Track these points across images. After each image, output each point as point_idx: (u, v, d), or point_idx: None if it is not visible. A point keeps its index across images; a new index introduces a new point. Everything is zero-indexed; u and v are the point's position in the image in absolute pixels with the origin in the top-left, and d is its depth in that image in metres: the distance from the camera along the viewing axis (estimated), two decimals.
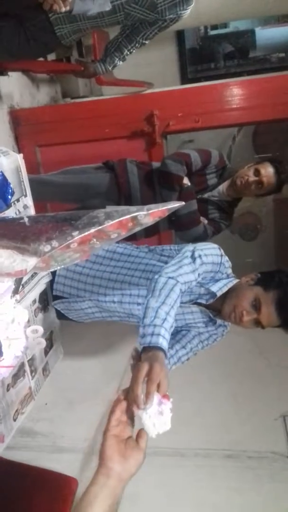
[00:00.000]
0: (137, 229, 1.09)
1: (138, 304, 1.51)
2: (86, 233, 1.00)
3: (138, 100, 2.80)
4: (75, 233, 1.00)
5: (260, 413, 2.12)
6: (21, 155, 1.33)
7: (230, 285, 1.46)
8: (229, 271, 1.50)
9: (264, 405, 2.16)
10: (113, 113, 2.78)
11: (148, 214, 1.05)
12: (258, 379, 2.35)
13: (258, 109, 2.70)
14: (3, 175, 1.18)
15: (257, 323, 1.36)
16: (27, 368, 1.48)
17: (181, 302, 1.38)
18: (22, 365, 1.44)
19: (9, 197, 1.20)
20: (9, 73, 2.70)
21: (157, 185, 2.14)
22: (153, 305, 1.21)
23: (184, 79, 3.89)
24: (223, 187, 2.18)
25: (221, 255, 1.46)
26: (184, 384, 2.37)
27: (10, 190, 1.20)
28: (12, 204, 1.28)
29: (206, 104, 2.70)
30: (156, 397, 1.01)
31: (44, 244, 0.97)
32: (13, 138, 2.85)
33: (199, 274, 1.38)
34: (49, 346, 1.68)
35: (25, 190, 1.37)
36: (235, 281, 1.48)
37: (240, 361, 2.52)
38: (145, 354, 1.13)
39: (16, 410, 1.40)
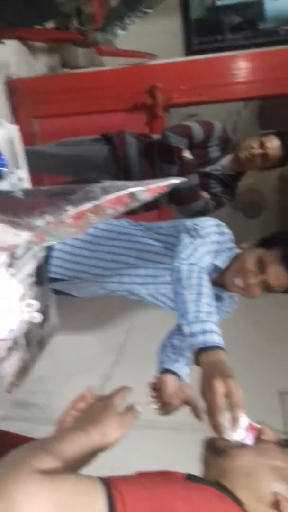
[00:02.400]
0: (135, 205, 1.07)
1: (138, 284, 1.48)
2: (82, 209, 0.98)
3: (140, 71, 2.72)
4: (70, 208, 0.97)
5: (257, 390, 2.12)
6: (16, 126, 1.30)
7: (232, 255, 1.39)
8: (230, 244, 1.44)
9: (262, 382, 2.17)
10: (114, 84, 2.71)
11: (147, 190, 1.03)
12: (256, 356, 2.37)
13: (265, 83, 2.63)
14: None
15: (265, 286, 1.26)
16: (22, 341, 1.48)
17: None
18: (17, 339, 1.44)
19: (2, 169, 1.18)
20: (5, 41, 2.61)
21: (157, 158, 2.09)
22: (190, 298, 1.12)
23: (189, 51, 3.77)
24: (226, 160, 2.13)
25: (219, 225, 1.40)
26: None
27: (3, 162, 1.17)
28: (6, 176, 1.25)
29: (211, 77, 2.63)
30: (243, 421, 0.87)
31: (38, 218, 0.95)
32: (9, 108, 2.78)
33: (211, 252, 1.31)
34: (44, 319, 1.67)
35: (20, 162, 1.34)
36: (237, 251, 1.41)
37: (237, 338, 2.53)
38: (205, 358, 1.02)
39: (11, 383, 1.41)
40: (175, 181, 1.01)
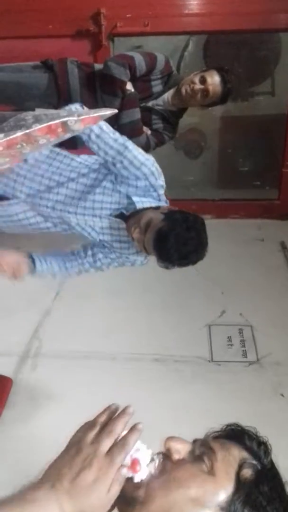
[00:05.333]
0: (68, 135, 1.06)
1: (69, 212, 1.52)
2: (12, 136, 0.96)
3: None
4: (0, 135, 0.95)
5: (188, 322, 2.27)
6: None
7: (153, 205, 1.47)
8: (161, 191, 1.51)
9: (192, 315, 2.31)
10: (57, 6, 2.54)
11: (79, 120, 1.02)
12: (187, 290, 2.49)
13: (212, 18, 2.57)
14: None
15: None
16: None
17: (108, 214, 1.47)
18: None
19: None
20: None
21: (99, 89, 2.03)
22: None
23: None
24: (168, 95, 2.10)
25: (153, 166, 1.44)
26: (118, 293, 2.47)
27: None
28: None
29: (158, 7, 2.53)
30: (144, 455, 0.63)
31: None
32: None
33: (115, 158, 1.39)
34: None
35: None
36: (163, 204, 1.49)
37: (170, 273, 2.62)
38: None
39: None
40: (107, 112, 1.01)
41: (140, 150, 1.44)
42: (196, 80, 2.00)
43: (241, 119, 3.48)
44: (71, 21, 2.56)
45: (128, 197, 1.47)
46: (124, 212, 1.50)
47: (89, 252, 1.62)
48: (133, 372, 2.01)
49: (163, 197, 1.52)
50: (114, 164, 1.43)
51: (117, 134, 1.42)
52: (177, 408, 1.83)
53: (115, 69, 1.92)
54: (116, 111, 1.05)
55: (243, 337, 2.19)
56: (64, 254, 1.65)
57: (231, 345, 2.15)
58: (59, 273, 1.67)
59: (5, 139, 0.96)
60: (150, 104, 2.11)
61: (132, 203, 1.46)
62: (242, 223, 3.15)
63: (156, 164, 1.46)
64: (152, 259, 1.49)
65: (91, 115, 1.01)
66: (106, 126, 1.40)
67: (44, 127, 0.97)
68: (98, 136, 1.40)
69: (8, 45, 2.54)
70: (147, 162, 1.42)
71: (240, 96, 3.24)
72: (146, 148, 2.05)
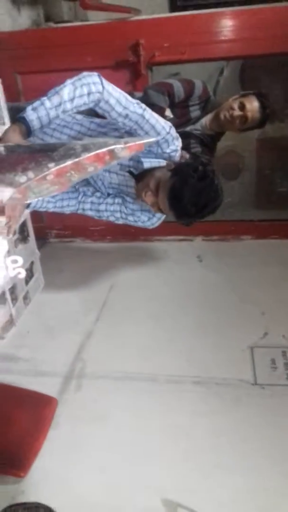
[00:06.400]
0: (114, 162, 1.10)
1: None
2: (63, 165, 1.02)
3: (124, 27, 2.66)
4: (52, 164, 1.01)
5: (230, 343, 2.24)
6: None
7: (162, 164, 1.45)
8: (174, 153, 1.47)
9: (234, 337, 2.28)
10: (97, 40, 2.66)
11: (126, 148, 1.06)
12: (229, 312, 2.47)
13: (248, 42, 2.61)
14: None
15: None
16: (8, 296, 1.54)
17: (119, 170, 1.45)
18: (3, 294, 1.50)
19: None
20: None
21: None
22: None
23: (173, 7, 3.69)
24: (206, 120, 2.14)
25: (169, 132, 1.42)
26: (160, 315, 2.49)
27: None
28: None
29: (194, 35, 2.59)
30: None
31: (20, 174, 0.98)
32: None
33: (128, 115, 1.35)
34: (30, 276, 1.73)
35: (3, 118, 1.35)
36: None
37: (213, 295, 2.63)
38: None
39: None
40: (152, 139, 1.05)
41: (157, 118, 1.41)
42: (235, 106, 2.03)
43: (278, 140, 3.48)
44: (110, 53, 2.66)
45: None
46: (133, 170, 1.50)
47: (98, 194, 1.61)
48: (174, 395, 2.00)
49: (175, 158, 1.50)
50: (129, 131, 1.41)
51: (134, 104, 1.38)
52: (219, 433, 1.80)
53: (154, 96, 1.98)
54: (157, 139, 1.09)
55: (287, 359, 2.14)
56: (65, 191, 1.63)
57: (275, 367, 2.10)
58: (51, 210, 1.65)
59: (55, 168, 1.01)
60: (188, 129, 2.16)
61: (141, 162, 1.45)
62: (282, 244, 3.11)
63: (172, 130, 1.44)
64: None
65: (137, 142, 1.06)
66: (123, 96, 1.37)
67: (92, 156, 1.02)
68: (113, 109, 1.35)
69: (48, 78, 2.65)
70: (162, 131, 1.40)
71: (277, 117, 3.25)
72: None
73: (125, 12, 2.74)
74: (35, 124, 1.21)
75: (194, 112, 2.13)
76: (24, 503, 1.47)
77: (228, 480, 1.63)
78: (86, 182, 1.66)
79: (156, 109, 1.98)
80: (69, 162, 1.01)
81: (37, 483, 1.65)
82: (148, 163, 1.45)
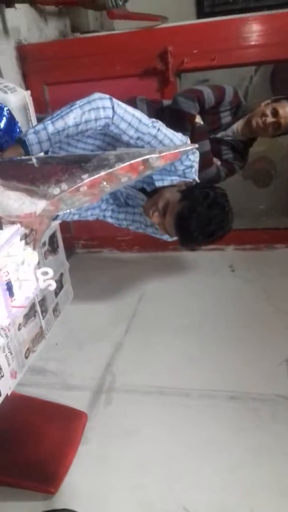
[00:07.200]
0: (148, 172, 1.06)
1: None
2: (96, 176, 0.98)
3: (151, 35, 2.64)
4: (85, 176, 0.98)
5: (265, 357, 2.16)
6: (29, 92, 1.29)
7: (174, 183, 1.39)
8: (188, 170, 1.41)
9: (269, 350, 2.20)
10: (124, 49, 2.64)
11: (160, 157, 1.03)
12: (264, 324, 2.38)
13: (278, 47, 2.54)
14: (10, 113, 1.15)
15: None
16: (38, 308, 1.51)
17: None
18: (33, 306, 1.48)
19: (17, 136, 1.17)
20: (16, 5, 2.55)
21: (168, 124, 2.06)
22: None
23: (201, 13, 3.67)
24: (237, 126, 2.10)
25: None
26: (191, 327, 2.43)
27: (18, 129, 1.17)
28: None
29: (223, 41, 2.55)
30: None
31: (54, 186, 0.96)
32: (20, 75, 2.74)
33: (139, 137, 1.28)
34: (59, 287, 1.71)
35: None
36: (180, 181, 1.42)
37: (247, 306, 2.55)
38: None
39: (28, 348, 1.45)
40: (187, 148, 1.01)
41: (172, 137, 1.35)
42: (268, 112, 1.98)
43: None
44: (138, 61, 2.64)
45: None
46: (146, 187, 1.45)
47: (118, 202, 1.58)
48: (208, 410, 1.94)
49: (190, 175, 1.44)
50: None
51: (149, 126, 1.31)
52: (256, 450, 1.74)
53: (184, 103, 1.95)
54: (196, 145, 1.05)
55: None
56: None
57: None
58: (76, 219, 1.62)
59: (89, 179, 0.98)
60: (219, 135, 2.11)
61: (153, 180, 1.40)
62: None
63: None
64: None
65: (171, 152, 1.02)
66: (136, 119, 1.31)
67: (126, 166, 0.99)
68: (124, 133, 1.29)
69: (80, 88, 2.65)
70: None
71: None
72: (217, 179, 2.05)
73: (153, 20, 2.72)
74: (34, 149, 1.14)
75: (225, 118, 2.08)
76: (54, 510, 1.47)
77: (266, 500, 1.56)
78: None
79: (186, 116, 1.95)
80: (102, 173, 0.98)
81: (67, 499, 1.61)
82: (160, 181, 1.40)
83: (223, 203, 1.32)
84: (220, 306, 2.59)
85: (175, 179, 1.41)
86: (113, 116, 1.21)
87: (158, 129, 1.31)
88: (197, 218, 1.26)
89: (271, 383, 2.03)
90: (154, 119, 1.32)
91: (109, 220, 1.66)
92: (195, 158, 1.41)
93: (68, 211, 1.52)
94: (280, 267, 2.86)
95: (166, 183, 1.40)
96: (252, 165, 3.16)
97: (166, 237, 1.60)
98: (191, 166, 1.42)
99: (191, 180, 1.43)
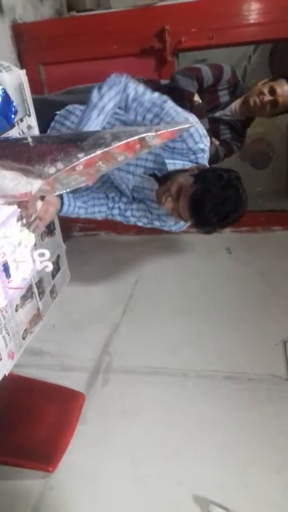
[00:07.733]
0: (145, 151, 1.05)
1: None
2: (92, 155, 0.97)
3: (148, 13, 2.59)
4: (81, 154, 0.97)
5: (261, 338, 2.18)
6: (24, 71, 1.26)
7: (186, 167, 1.38)
8: (201, 155, 1.41)
9: (265, 331, 2.22)
10: (121, 28, 2.59)
11: (157, 136, 1.01)
12: (260, 305, 2.40)
13: (277, 25, 2.50)
14: (5, 92, 1.13)
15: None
16: (35, 290, 1.51)
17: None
18: (30, 287, 1.47)
19: (12, 116, 1.16)
20: None
21: None
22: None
23: None
24: (235, 105, 2.07)
25: (193, 128, 1.34)
26: (188, 308, 2.44)
27: (13, 109, 1.15)
28: (16, 124, 1.23)
29: (222, 19, 2.50)
30: None
31: (49, 166, 0.94)
32: (15, 54, 2.70)
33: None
34: (56, 269, 1.70)
35: (28, 109, 1.31)
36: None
37: (244, 289, 2.56)
38: None
39: (25, 330, 1.45)
40: (184, 126, 1.00)
41: (180, 111, 1.34)
42: (265, 90, 1.96)
43: None
44: (135, 40, 2.59)
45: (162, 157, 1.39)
46: (157, 173, 1.43)
47: (124, 199, 1.57)
48: (205, 390, 1.96)
49: (202, 161, 1.42)
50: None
51: (154, 94, 1.32)
52: (251, 429, 1.76)
53: (183, 81, 1.92)
54: (193, 124, 1.04)
55: None
56: (97, 196, 1.60)
57: None
58: (83, 216, 1.62)
59: (84, 158, 0.97)
60: (217, 114, 2.09)
61: (165, 164, 1.38)
62: None
63: (198, 125, 1.36)
64: None
65: (168, 130, 1.00)
66: (140, 87, 1.33)
67: (122, 144, 0.97)
68: (134, 100, 1.32)
69: (76, 67, 2.63)
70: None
71: None
72: (215, 159, 2.03)
73: None
74: None
75: (223, 97, 2.06)
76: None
77: (261, 477, 1.59)
78: (113, 187, 1.64)
79: (184, 94, 1.92)
80: (98, 152, 0.96)
81: (65, 478, 1.64)
82: (172, 165, 1.39)
83: (237, 185, 1.31)
84: (217, 288, 2.60)
85: (187, 164, 1.39)
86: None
87: (165, 101, 1.32)
88: (211, 199, 1.24)
89: (267, 363, 2.05)
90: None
91: (118, 218, 1.65)
92: (207, 142, 1.39)
93: (71, 204, 1.54)
94: (277, 250, 2.87)
95: (178, 166, 1.38)
96: (250, 147, 3.13)
97: (174, 228, 1.59)
98: (204, 151, 1.40)
99: (203, 165, 1.41)
